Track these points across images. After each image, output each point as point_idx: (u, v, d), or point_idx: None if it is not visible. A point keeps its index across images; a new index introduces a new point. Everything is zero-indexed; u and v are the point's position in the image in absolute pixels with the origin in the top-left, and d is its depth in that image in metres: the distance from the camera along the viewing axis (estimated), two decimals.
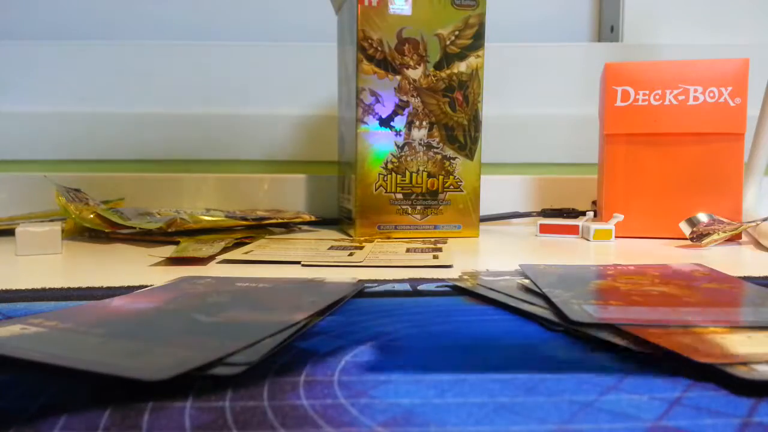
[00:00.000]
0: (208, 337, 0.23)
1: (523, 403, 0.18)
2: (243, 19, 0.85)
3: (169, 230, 0.55)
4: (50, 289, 0.34)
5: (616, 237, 0.59)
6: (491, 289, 0.33)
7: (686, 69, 0.58)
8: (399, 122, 0.59)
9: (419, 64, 0.58)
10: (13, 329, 0.24)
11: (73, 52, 0.80)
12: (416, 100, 0.59)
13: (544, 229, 0.62)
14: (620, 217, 0.59)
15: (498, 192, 0.79)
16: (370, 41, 0.57)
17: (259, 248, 0.50)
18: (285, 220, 0.64)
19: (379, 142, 0.58)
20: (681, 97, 0.58)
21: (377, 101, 0.58)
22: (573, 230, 0.61)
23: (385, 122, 0.58)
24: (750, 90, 0.59)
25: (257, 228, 0.64)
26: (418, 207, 0.60)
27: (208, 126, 0.80)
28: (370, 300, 0.31)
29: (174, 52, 0.80)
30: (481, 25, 0.59)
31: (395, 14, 0.57)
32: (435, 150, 0.59)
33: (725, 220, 0.56)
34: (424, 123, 0.59)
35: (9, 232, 0.63)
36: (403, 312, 0.29)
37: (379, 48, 0.57)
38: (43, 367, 0.20)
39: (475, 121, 0.60)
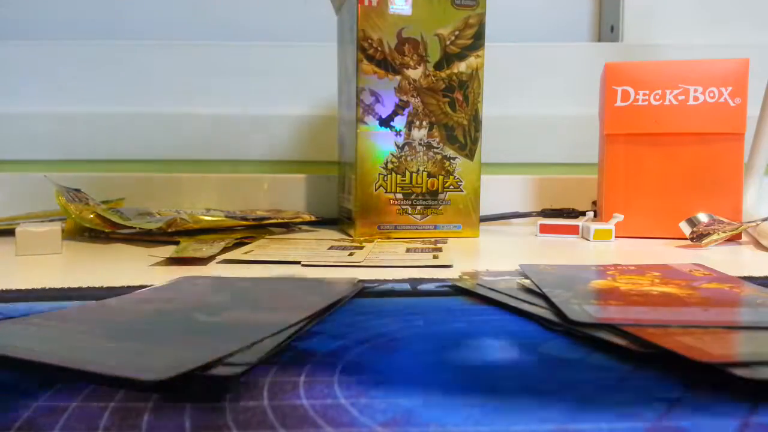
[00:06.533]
0: (208, 337, 0.23)
1: (524, 403, 0.18)
2: (243, 19, 0.85)
3: (169, 230, 0.55)
4: (50, 289, 0.34)
5: (616, 237, 0.59)
6: (491, 289, 0.33)
7: (686, 69, 0.58)
8: (399, 122, 0.59)
9: (419, 64, 0.58)
10: (13, 329, 0.24)
11: (73, 52, 0.79)
12: (416, 100, 0.59)
13: (544, 229, 0.62)
14: (620, 217, 0.59)
15: (498, 192, 0.79)
16: (370, 41, 0.57)
17: (259, 248, 0.50)
18: (285, 220, 0.64)
19: (379, 142, 0.58)
20: (681, 97, 0.58)
21: (377, 101, 0.58)
22: (573, 230, 0.61)
23: (385, 122, 0.58)
24: (750, 90, 0.59)
25: (257, 228, 0.64)
26: (418, 207, 0.60)
27: (208, 126, 0.80)
28: (370, 300, 0.31)
29: (174, 52, 0.80)
30: (481, 25, 0.59)
31: (395, 14, 0.57)
32: (435, 150, 0.59)
33: (725, 220, 0.56)
34: (424, 123, 0.59)
35: (9, 232, 0.63)
36: (403, 312, 0.29)
37: (379, 48, 0.57)
38: (43, 367, 0.20)
39: (475, 121, 0.60)
